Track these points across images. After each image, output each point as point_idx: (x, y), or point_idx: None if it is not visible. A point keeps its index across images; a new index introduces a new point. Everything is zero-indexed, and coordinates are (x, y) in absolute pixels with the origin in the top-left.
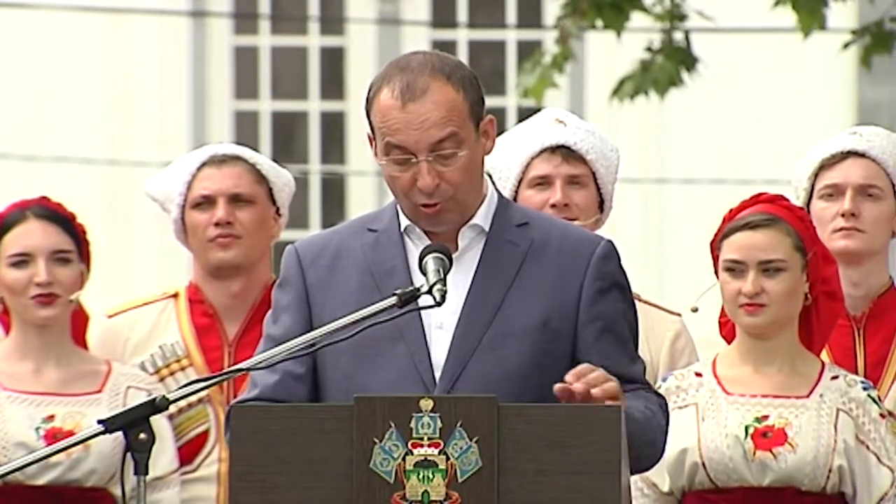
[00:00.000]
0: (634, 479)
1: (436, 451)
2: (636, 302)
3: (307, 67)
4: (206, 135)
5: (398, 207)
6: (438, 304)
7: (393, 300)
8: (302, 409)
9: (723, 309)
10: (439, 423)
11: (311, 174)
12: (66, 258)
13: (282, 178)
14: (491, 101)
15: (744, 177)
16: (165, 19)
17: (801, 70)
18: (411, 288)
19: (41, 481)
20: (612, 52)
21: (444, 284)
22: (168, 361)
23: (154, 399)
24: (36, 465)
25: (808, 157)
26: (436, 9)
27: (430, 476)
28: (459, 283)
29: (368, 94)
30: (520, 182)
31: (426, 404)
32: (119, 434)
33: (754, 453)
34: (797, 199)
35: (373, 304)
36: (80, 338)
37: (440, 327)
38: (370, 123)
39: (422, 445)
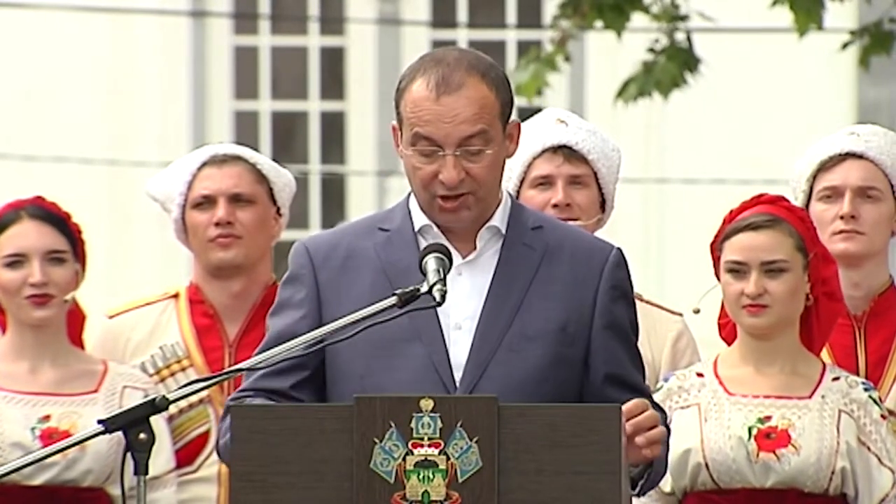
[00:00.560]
0: None
1: (436, 451)
2: (638, 302)
3: (307, 67)
4: (206, 135)
5: (410, 206)
6: (438, 304)
7: (393, 300)
8: (302, 409)
9: (722, 310)
10: (439, 423)
11: (310, 174)
12: (61, 258)
13: (282, 178)
14: None
15: (744, 177)
16: (165, 19)
17: (801, 70)
18: (411, 288)
19: (37, 481)
20: (613, 53)
21: (444, 284)
22: (168, 362)
23: (154, 399)
24: (32, 466)
25: (805, 157)
26: (436, 9)
27: (431, 476)
28: (478, 284)
29: (400, 84)
30: (521, 182)
31: (426, 404)
32: (115, 434)
33: (758, 454)
34: (795, 201)
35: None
36: (76, 337)
37: (458, 328)
38: (398, 113)
39: (422, 445)
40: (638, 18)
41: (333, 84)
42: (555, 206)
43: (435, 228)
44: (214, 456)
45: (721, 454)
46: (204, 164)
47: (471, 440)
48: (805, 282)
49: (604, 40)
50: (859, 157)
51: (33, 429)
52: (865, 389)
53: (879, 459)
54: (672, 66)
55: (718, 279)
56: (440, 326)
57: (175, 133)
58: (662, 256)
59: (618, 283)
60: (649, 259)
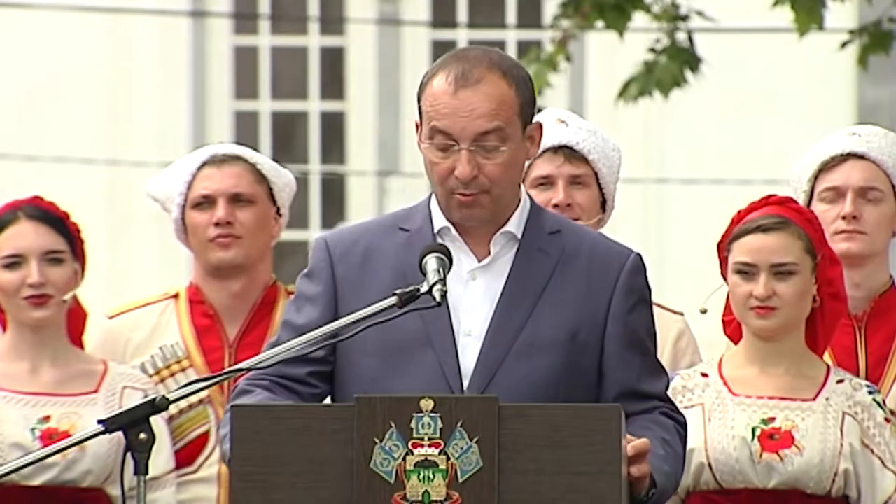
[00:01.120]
0: None
1: (436, 452)
2: None
3: (307, 67)
4: (206, 135)
5: (431, 206)
6: (438, 304)
7: (393, 300)
8: (303, 409)
9: (727, 308)
10: (440, 424)
11: (310, 174)
12: (59, 258)
13: (282, 178)
14: None
15: (744, 177)
16: (165, 19)
17: (801, 70)
18: (411, 288)
19: (37, 482)
20: (613, 53)
21: (444, 284)
22: (168, 363)
23: (154, 399)
24: (32, 466)
25: (806, 158)
26: (436, 9)
27: (431, 476)
28: (490, 290)
29: (423, 80)
30: (522, 182)
31: (426, 404)
32: (115, 434)
33: (761, 455)
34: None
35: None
36: (77, 336)
37: (468, 334)
38: (419, 108)
39: (422, 445)
40: (639, 18)
41: (333, 84)
42: (555, 206)
43: (453, 231)
44: (214, 456)
45: (724, 454)
46: (204, 164)
47: (471, 440)
48: (813, 284)
49: (604, 40)
50: (861, 157)
51: (33, 429)
52: (870, 392)
53: (883, 462)
54: (673, 66)
55: (725, 279)
56: (453, 333)
57: (175, 133)
58: (662, 256)
59: (635, 290)
60: (649, 259)
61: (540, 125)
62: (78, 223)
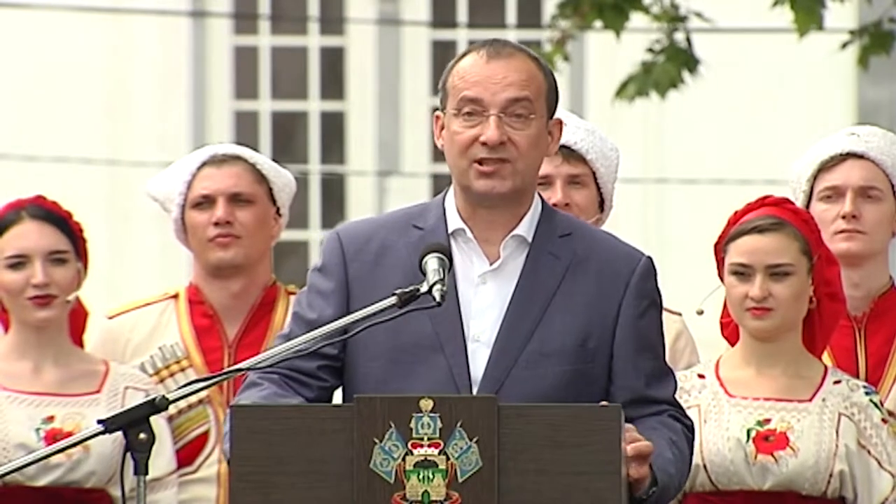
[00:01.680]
0: None
1: (436, 452)
2: None
3: (307, 67)
4: (206, 135)
5: (446, 206)
6: (438, 305)
7: (393, 300)
8: (303, 408)
9: (724, 309)
10: (439, 424)
11: (310, 174)
12: (63, 258)
13: (282, 179)
14: None
15: (744, 177)
16: (165, 19)
17: (800, 70)
18: (411, 288)
19: (41, 482)
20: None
21: (444, 285)
22: (168, 363)
23: (154, 399)
24: (35, 467)
25: (805, 158)
26: (436, 9)
27: (431, 476)
28: (500, 295)
29: (449, 67)
30: None
31: (426, 404)
32: (118, 435)
33: (755, 457)
34: (795, 201)
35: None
36: (77, 335)
37: (477, 340)
38: (444, 93)
39: (422, 445)
40: (638, 19)
41: (333, 84)
42: (554, 205)
43: (468, 233)
44: (214, 456)
45: (719, 456)
46: (204, 164)
47: (471, 440)
48: (809, 284)
49: (604, 40)
50: (860, 157)
51: (38, 430)
52: (867, 393)
53: (879, 463)
54: (671, 67)
55: (721, 280)
56: (463, 337)
57: (175, 133)
58: (662, 256)
59: (645, 295)
60: None
61: (560, 122)
62: (80, 223)
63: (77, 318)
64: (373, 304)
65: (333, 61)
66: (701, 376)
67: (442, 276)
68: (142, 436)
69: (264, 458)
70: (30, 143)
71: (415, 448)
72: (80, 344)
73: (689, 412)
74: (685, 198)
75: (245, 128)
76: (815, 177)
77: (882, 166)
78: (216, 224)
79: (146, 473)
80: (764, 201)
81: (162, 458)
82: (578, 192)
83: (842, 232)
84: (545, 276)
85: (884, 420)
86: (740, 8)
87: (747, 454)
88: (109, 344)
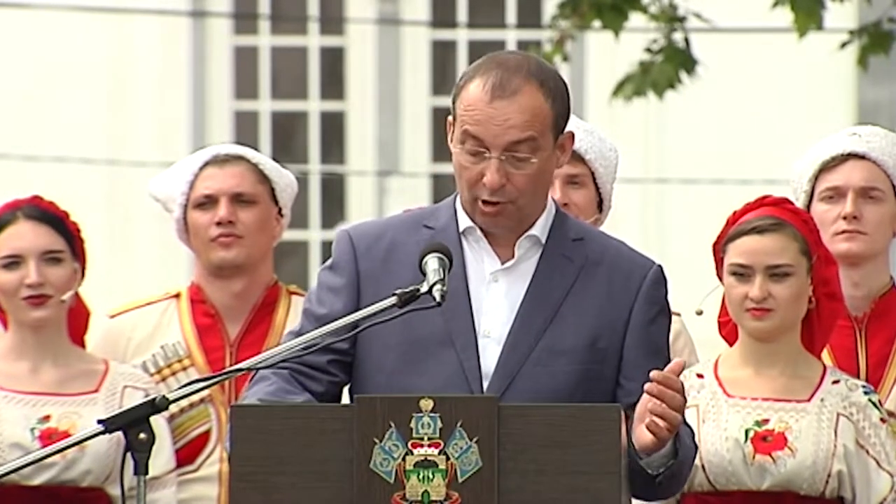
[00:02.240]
0: None
1: (436, 451)
2: None
3: (307, 67)
4: (206, 135)
5: (457, 206)
6: (438, 305)
7: (393, 300)
8: (302, 409)
9: (722, 309)
10: (439, 423)
11: (310, 174)
12: (58, 258)
13: (284, 179)
14: None
15: (743, 177)
16: (165, 19)
17: (800, 70)
18: (411, 288)
19: (37, 482)
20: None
21: (444, 284)
22: (169, 361)
23: (154, 399)
24: (31, 466)
25: (806, 158)
26: (436, 9)
27: (431, 476)
28: (512, 293)
29: (459, 81)
30: None
31: (426, 404)
32: (114, 434)
33: (754, 457)
34: (796, 201)
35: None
36: (79, 335)
37: (487, 336)
38: (453, 109)
39: (422, 445)
40: (637, 19)
41: (333, 84)
42: None
43: (478, 232)
44: (215, 455)
45: (717, 456)
46: (206, 164)
47: (471, 440)
48: (808, 285)
49: (604, 41)
50: (861, 157)
51: (33, 429)
52: (865, 393)
53: (878, 463)
54: (669, 68)
55: (720, 280)
56: (475, 333)
57: (175, 133)
58: (662, 257)
59: (655, 302)
60: None
61: (572, 134)
62: (77, 222)
63: (78, 318)
64: (382, 300)
65: (333, 61)
66: (699, 376)
67: (442, 276)
68: (142, 436)
69: (264, 458)
70: (30, 143)
71: (415, 448)
72: (82, 344)
73: (687, 412)
74: (685, 198)
75: (245, 128)
76: (817, 177)
77: (883, 167)
78: (218, 224)
79: (146, 473)
80: (763, 201)
81: (161, 456)
82: (577, 191)
83: (843, 232)
84: (558, 276)
85: (882, 420)
86: (740, 8)
87: (745, 454)
88: (111, 343)
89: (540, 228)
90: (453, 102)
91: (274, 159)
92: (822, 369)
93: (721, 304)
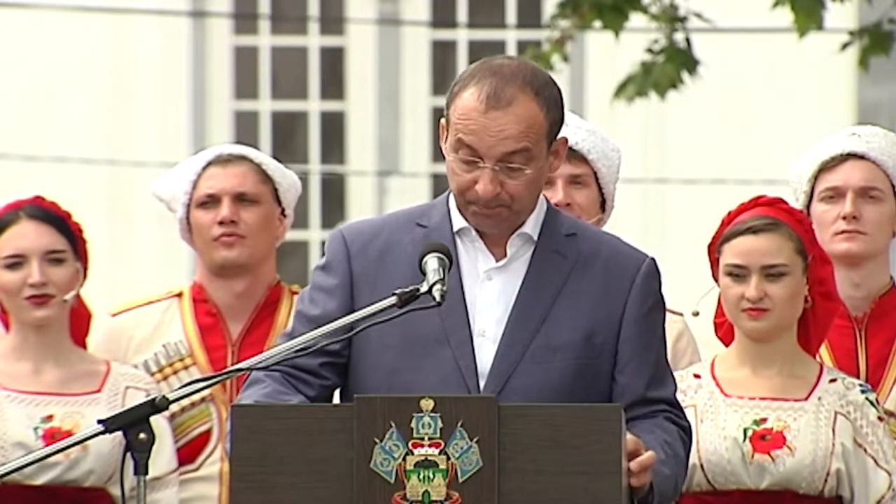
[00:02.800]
0: None
1: (436, 451)
2: None
3: (307, 67)
4: (206, 135)
5: (450, 205)
6: (438, 305)
7: (393, 300)
8: (302, 409)
9: (718, 309)
10: (440, 423)
11: (310, 174)
12: (60, 258)
13: (287, 179)
14: None
15: (744, 177)
16: (165, 19)
17: (800, 71)
18: (411, 287)
19: (39, 481)
20: (613, 53)
21: (444, 284)
22: (171, 360)
23: (154, 399)
24: (34, 465)
25: (806, 158)
26: (436, 9)
27: (431, 476)
28: (506, 291)
29: (454, 87)
30: None
31: (426, 404)
32: (117, 434)
33: (752, 456)
34: (796, 202)
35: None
36: (81, 335)
37: (482, 334)
38: (447, 114)
39: (422, 445)
40: (638, 19)
41: (333, 84)
42: (555, 205)
43: (473, 232)
44: (216, 454)
45: (716, 455)
46: (209, 164)
47: (471, 440)
48: (804, 284)
49: (605, 41)
50: (861, 157)
51: (36, 429)
52: (862, 391)
53: (876, 461)
54: (670, 68)
55: (716, 280)
56: (470, 332)
57: (175, 133)
58: (662, 257)
59: (649, 295)
60: None
61: (565, 140)
62: (80, 223)
63: (80, 320)
64: (378, 300)
65: (333, 61)
66: (697, 376)
67: (442, 275)
68: (142, 436)
69: (264, 458)
70: (30, 143)
71: (415, 448)
72: (83, 345)
73: (685, 412)
74: (685, 198)
75: (245, 128)
76: (816, 177)
77: (883, 167)
78: (221, 223)
79: (146, 473)
80: (757, 201)
81: (162, 457)
82: (579, 191)
83: (842, 233)
84: (551, 273)
85: (880, 418)
86: (740, 8)
87: (744, 453)
88: (112, 341)
89: (531, 226)
90: (447, 107)
91: (274, 159)
92: (819, 368)
93: (717, 305)
